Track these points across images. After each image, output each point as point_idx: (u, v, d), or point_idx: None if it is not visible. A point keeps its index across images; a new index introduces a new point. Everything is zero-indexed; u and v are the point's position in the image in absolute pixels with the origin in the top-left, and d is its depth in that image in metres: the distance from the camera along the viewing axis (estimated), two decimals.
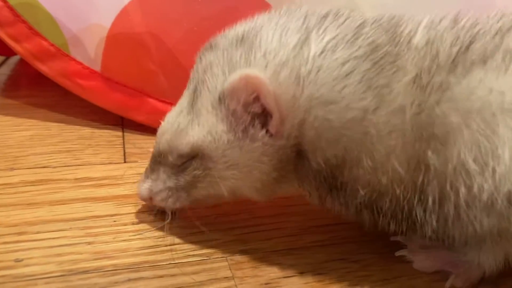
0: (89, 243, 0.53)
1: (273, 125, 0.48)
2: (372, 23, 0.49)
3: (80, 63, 0.77)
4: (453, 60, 0.45)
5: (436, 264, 0.52)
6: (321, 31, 0.48)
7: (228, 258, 0.53)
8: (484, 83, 0.43)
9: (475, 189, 0.42)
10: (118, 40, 0.74)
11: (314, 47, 0.47)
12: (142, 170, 0.56)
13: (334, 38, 0.47)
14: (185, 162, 0.51)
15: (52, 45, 0.76)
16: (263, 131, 0.48)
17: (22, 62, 1.10)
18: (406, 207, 0.46)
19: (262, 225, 0.58)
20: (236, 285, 0.49)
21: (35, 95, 0.90)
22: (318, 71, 0.46)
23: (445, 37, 0.46)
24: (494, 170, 0.41)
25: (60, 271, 0.49)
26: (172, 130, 0.52)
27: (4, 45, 0.93)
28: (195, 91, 0.51)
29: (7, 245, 0.52)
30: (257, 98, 0.47)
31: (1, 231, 0.54)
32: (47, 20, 0.75)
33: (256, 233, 0.57)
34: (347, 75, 0.46)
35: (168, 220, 0.54)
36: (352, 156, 0.47)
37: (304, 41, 0.47)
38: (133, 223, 0.57)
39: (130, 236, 0.55)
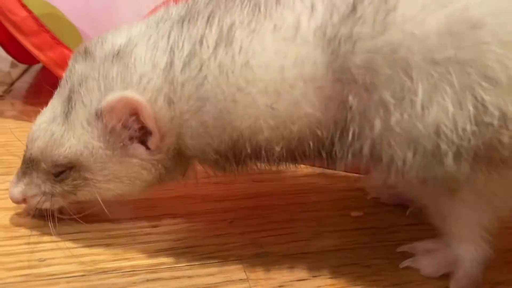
0: (108, 244, 0.55)
1: (152, 142, 0.50)
2: (219, 10, 0.49)
3: None
4: (353, 9, 0.45)
5: (440, 269, 0.53)
6: (180, 45, 0.49)
7: (243, 261, 0.54)
8: (396, 31, 0.43)
9: (392, 122, 0.43)
10: None
11: (177, 64, 0.49)
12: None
13: (188, 47, 0.49)
14: (61, 171, 0.52)
15: None
16: (142, 148, 0.50)
17: (44, 70, 1.14)
18: (327, 145, 0.48)
19: (277, 229, 0.59)
20: (250, 287, 0.50)
21: None
22: (183, 86, 0.48)
23: None
24: (412, 101, 0.43)
25: (80, 271, 0.51)
26: (45, 138, 0.52)
27: (27, 54, 0.97)
28: (69, 100, 0.51)
29: (30, 246, 0.54)
30: (135, 118, 0.49)
31: (25, 233, 0.56)
32: (70, 30, 0.79)
33: (271, 237, 0.58)
34: (205, 78, 0.47)
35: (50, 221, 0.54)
36: (244, 132, 0.48)
37: (170, 62, 0.49)
38: (151, 226, 0.58)
39: (148, 238, 0.56)
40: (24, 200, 0.55)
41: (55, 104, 0.54)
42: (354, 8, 0.45)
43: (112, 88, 0.49)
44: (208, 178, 0.61)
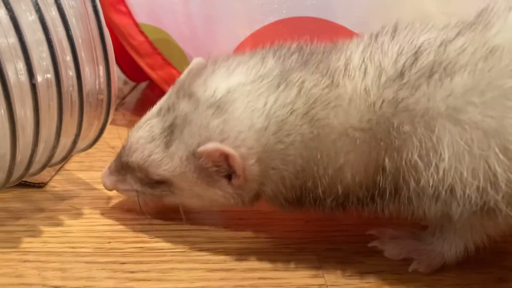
0: (205, 230, 0.65)
1: (236, 182, 0.56)
2: (309, 72, 0.55)
3: None
4: (401, 72, 0.50)
5: (403, 252, 0.59)
6: (274, 110, 0.54)
7: (317, 253, 0.62)
8: (428, 95, 0.48)
9: (422, 183, 0.49)
10: None
11: (271, 128, 0.54)
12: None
13: (281, 113, 0.54)
14: (154, 182, 0.60)
15: (180, 73, 0.91)
16: (227, 183, 0.57)
17: (149, 87, 1.29)
18: (369, 200, 0.54)
19: (349, 230, 0.66)
20: (323, 274, 0.58)
21: None
22: (273, 148, 0.54)
23: (387, 50, 0.52)
24: (437, 166, 0.48)
25: (182, 248, 0.61)
26: (144, 155, 0.58)
27: (137, 73, 1.12)
28: (171, 132, 0.57)
29: (143, 226, 0.65)
30: (226, 163, 0.55)
31: (138, 216, 0.68)
32: (177, 52, 0.91)
33: (343, 236, 0.65)
34: (290, 143, 0.54)
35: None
36: (310, 187, 0.55)
37: (266, 126, 0.54)
38: (239, 219, 0.68)
39: (237, 228, 0.66)
40: (113, 189, 0.64)
41: (154, 124, 0.59)
42: (401, 74, 0.50)
43: (211, 138, 0.55)
44: None
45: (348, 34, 0.80)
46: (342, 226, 0.67)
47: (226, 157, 0.55)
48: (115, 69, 0.66)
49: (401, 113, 0.50)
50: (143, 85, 1.29)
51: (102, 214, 0.68)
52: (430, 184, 0.49)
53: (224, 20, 0.86)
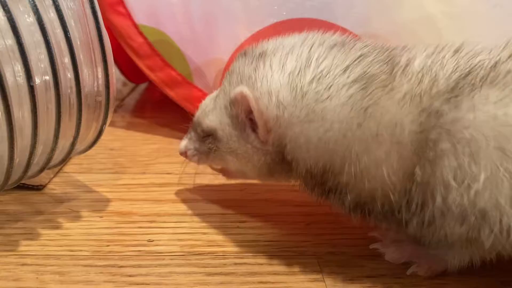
0: (204, 233, 0.65)
1: (260, 133, 0.57)
2: (373, 55, 0.55)
3: (201, 91, 0.91)
4: (452, 88, 0.49)
5: (404, 256, 0.59)
6: (320, 60, 0.55)
7: (318, 256, 0.61)
8: (475, 116, 0.47)
9: (450, 200, 0.48)
10: None
11: (307, 74, 0.54)
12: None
13: (328, 66, 0.54)
14: (204, 136, 0.63)
15: (180, 75, 0.92)
16: (254, 136, 0.58)
17: (148, 89, 1.29)
18: (396, 210, 0.53)
19: (350, 234, 0.66)
20: (323, 278, 0.58)
21: (159, 116, 1.06)
22: (303, 95, 0.54)
23: (445, 64, 0.52)
24: (469, 187, 0.47)
25: (181, 252, 0.61)
26: (201, 109, 0.64)
27: (136, 74, 1.12)
28: (223, 86, 0.62)
29: (142, 229, 0.65)
30: (245, 109, 0.57)
31: (137, 219, 0.67)
32: (177, 54, 0.91)
33: (344, 240, 0.65)
34: (329, 97, 0.53)
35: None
36: (334, 166, 0.54)
37: (299, 69, 0.54)
38: (239, 221, 0.68)
39: (236, 231, 0.66)
40: (185, 153, 0.67)
41: (218, 89, 0.64)
42: (451, 89, 0.49)
43: (240, 84, 0.58)
44: (289, 186, 0.69)
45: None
46: (343, 229, 0.67)
47: (247, 103, 0.56)
48: (113, 71, 0.66)
49: (441, 127, 0.49)
50: (143, 86, 1.29)
51: (101, 217, 0.68)
52: (457, 203, 0.48)
53: (223, 22, 0.86)
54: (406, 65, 0.53)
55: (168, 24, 0.90)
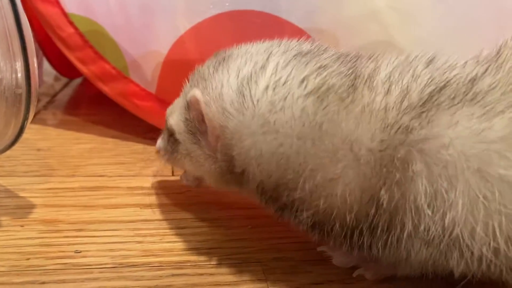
0: (138, 242, 0.59)
1: (209, 140, 0.55)
2: (335, 66, 0.51)
3: (138, 85, 0.85)
4: (425, 102, 0.45)
5: (352, 260, 0.56)
6: (278, 68, 0.51)
7: (263, 263, 0.57)
8: (449, 135, 0.43)
9: (422, 228, 0.44)
10: (173, 65, 0.82)
11: (262, 82, 0.51)
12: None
13: (285, 76, 0.50)
14: (169, 135, 0.61)
15: (114, 68, 0.85)
16: (205, 141, 0.56)
17: (83, 84, 1.21)
18: (356, 233, 0.48)
19: (295, 237, 0.62)
20: (268, 287, 0.54)
21: (93, 113, 0.99)
22: (256, 104, 0.50)
23: (418, 76, 0.47)
24: (444, 215, 0.43)
25: (112, 263, 0.55)
26: (170, 107, 0.62)
27: (69, 68, 1.04)
28: (185, 85, 0.60)
29: (68, 239, 0.59)
30: (196, 113, 0.55)
31: (63, 227, 0.61)
32: (111, 46, 0.84)
33: (290, 244, 0.61)
34: (282, 109, 0.49)
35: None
36: (287, 182, 0.50)
37: (251, 77, 0.51)
38: (178, 228, 0.63)
39: (175, 238, 0.60)
40: (158, 152, 0.65)
41: (184, 88, 0.61)
42: (423, 103, 0.45)
43: (197, 86, 0.56)
44: None
45: (293, 29, 0.77)
46: (289, 232, 0.63)
47: (199, 107, 0.54)
48: (35, 62, 0.59)
49: (411, 145, 0.44)
50: (77, 81, 1.21)
51: (21, 225, 0.60)
52: (430, 231, 0.44)
53: (161, 11, 0.80)
54: (370, 76, 0.49)
55: (102, 13, 0.83)
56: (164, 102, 0.84)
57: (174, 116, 0.59)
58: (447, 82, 0.46)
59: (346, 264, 0.57)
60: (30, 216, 0.63)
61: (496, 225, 0.42)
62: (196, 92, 0.54)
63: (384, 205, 0.46)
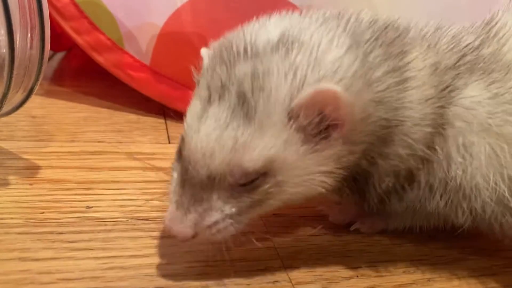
0: (147, 200, 0.63)
1: (342, 131, 0.47)
2: (408, 35, 0.53)
3: (132, 57, 0.87)
4: (454, 65, 0.52)
5: (347, 217, 0.62)
6: (370, 46, 0.49)
7: (263, 218, 0.61)
8: (478, 97, 0.51)
9: (451, 175, 0.51)
10: (169, 38, 0.84)
11: (372, 57, 0.49)
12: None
13: (381, 54, 0.50)
14: (252, 180, 0.46)
15: (109, 39, 0.87)
16: (335, 137, 0.47)
17: (66, 58, 1.21)
18: (397, 186, 0.54)
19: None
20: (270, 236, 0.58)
21: (83, 85, 1.00)
22: (369, 83, 0.48)
23: (465, 38, 0.54)
24: (470, 165, 0.51)
25: (124, 217, 0.58)
26: (227, 147, 0.45)
27: (54, 41, 1.04)
28: (244, 103, 0.45)
29: (79, 196, 0.61)
30: (332, 110, 0.46)
31: (71, 186, 0.63)
32: (107, 16, 0.86)
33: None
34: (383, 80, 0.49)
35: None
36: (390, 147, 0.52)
37: (355, 48, 0.48)
38: None
39: None
40: (193, 236, 0.47)
41: (215, 111, 0.46)
42: (455, 66, 0.52)
43: (305, 81, 0.45)
44: None
45: (285, 2, 0.80)
46: None
47: (331, 104, 0.45)
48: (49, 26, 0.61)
49: (455, 105, 0.52)
50: (60, 55, 1.21)
51: (31, 184, 0.63)
52: (458, 177, 0.51)
53: None
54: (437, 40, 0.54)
55: None
56: (158, 73, 0.87)
57: (265, 143, 0.45)
58: (469, 50, 0.53)
59: (342, 221, 0.62)
60: (37, 176, 0.65)
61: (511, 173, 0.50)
62: (329, 86, 0.45)
63: (438, 150, 0.52)
